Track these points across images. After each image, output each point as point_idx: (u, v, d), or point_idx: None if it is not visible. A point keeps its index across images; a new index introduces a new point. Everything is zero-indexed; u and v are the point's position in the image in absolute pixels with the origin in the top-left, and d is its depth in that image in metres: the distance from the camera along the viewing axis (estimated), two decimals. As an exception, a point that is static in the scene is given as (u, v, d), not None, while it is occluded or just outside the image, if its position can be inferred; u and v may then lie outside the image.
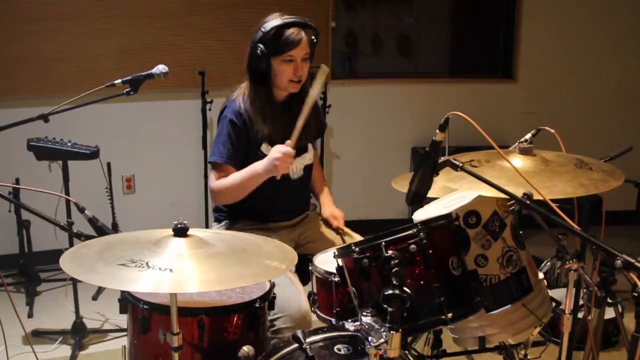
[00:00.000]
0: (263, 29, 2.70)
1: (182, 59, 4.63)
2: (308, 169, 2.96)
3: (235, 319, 2.11)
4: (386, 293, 1.77)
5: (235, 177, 2.75)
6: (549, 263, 3.78)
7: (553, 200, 1.86)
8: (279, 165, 2.63)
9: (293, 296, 2.52)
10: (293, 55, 2.72)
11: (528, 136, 2.30)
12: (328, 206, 3.08)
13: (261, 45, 2.70)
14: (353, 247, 1.99)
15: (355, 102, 5.23)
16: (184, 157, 4.89)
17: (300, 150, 2.89)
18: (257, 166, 2.71)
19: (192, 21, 4.68)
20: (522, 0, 5.33)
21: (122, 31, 4.56)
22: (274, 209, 2.88)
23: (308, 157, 2.95)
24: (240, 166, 2.77)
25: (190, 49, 4.70)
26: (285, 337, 2.43)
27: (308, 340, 1.95)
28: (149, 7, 4.58)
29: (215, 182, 2.78)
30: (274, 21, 2.70)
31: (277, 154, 2.63)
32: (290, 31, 2.70)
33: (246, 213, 2.88)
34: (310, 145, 2.98)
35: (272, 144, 2.77)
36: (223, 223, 2.92)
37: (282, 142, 2.78)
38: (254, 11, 4.55)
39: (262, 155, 2.76)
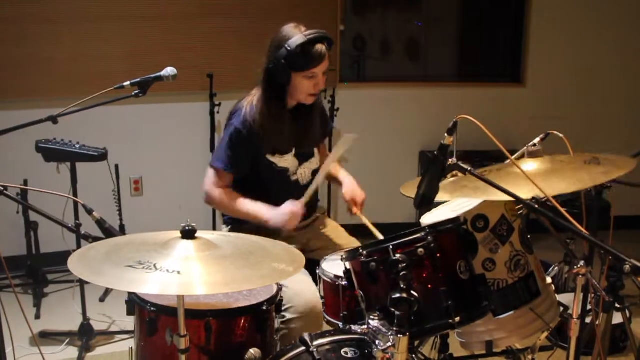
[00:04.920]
0: (288, 47, 2.65)
1: (190, 61, 4.63)
2: (315, 172, 2.97)
3: (243, 321, 2.11)
4: (394, 297, 1.77)
5: (238, 205, 2.78)
6: (557, 267, 3.77)
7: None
8: (288, 223, 2.69)
9: (304, 288, 2.52)
10: (316, 72, 2.72)
11: (536, 140, 2.30)
12: (350, 187, 2.98)
13: (284, 62, 2.67)
14: (361, 251, 1.99)
15: (364, 106, 5.23)
16: (191, 159, 4.90)
17: (307, 155, 2.93)
18: (264, 212, 2.74)
19: (201, 24, 4.69)
20: (530, 4, 5.33)
21: (131, 34, 4.58)
22: None
23: (315, 162, 2.97)
24: (239, 173, 2.80)
25: (199, 52, 4.71)
26: (294, 328, 2.44)
27: (315, 343, 1.95)
28: (158, 9, 4.60)
29: (216, 190, 2.80)
30: (297, 37, 2.66)
31: (287, 214, 2.68)
32: (316, 48, 2.67)
33: None
34: (316, 150, 2.99)
35: (277, 153, 2.81)
36: (232, 226, 2.92)
37: (289, 150, 2.82)
38: (263, 14, 4.58)
39: (270, 163, 2.80)
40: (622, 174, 2.06)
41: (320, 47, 2.69)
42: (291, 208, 2.69)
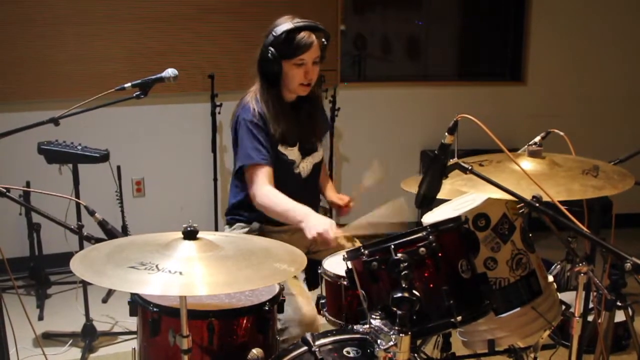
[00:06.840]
0: (274, 33, 2.71)
1: (191, 62, 4.64)
2: (317, 166, 3.00)
3: (245, 321, 2.11)
4: (395, 296, 1.77)
5: (281, 205, 2.70)
6: (558, 266, 3.77)
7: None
8: (316, 237, 2.53)
9: (301, 305, 2.52)
10: (304, 59, 2.74)
11: (537, 139, 2.30)
12: (333, 193, 3.12)
13: (272, 49, 2.71)
14: (362, 250, 1.99)
15: (364, 105, 5.23)
16: (193, 160, 4.90)
17: (310, 150, 2.95)
18: (299, 215, 2.63)
19: (202, 25, 4.70)
20: (531, 3, 5.32)
21: (133, 35, 4.59)
22: None
23: (318, 156, 3.00)
24: (272, 161, 2.77)
25: (200, 53, 4.71)
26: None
27: (317, 343, 1.95)
28: (159, 11, 4.60)
29: (264, 188, 2.72)
30: (285, 25, 2.72)
31: (323, 230, 2.51)
32: (301, 35, 2.71)
33: (261, 213, 2.88)
34: (319, 145, 3.01)
35: (285, 144, 2.82)
36: (236, 226, 2.93)
37: (295, 143, 2.84)
38: (263, 15, 4.57)
39: (281, 155, 2.82)
40: (614, 193, 2.05)
41: (307, 34, 2.72)
42: (329, 228, 2.54)
